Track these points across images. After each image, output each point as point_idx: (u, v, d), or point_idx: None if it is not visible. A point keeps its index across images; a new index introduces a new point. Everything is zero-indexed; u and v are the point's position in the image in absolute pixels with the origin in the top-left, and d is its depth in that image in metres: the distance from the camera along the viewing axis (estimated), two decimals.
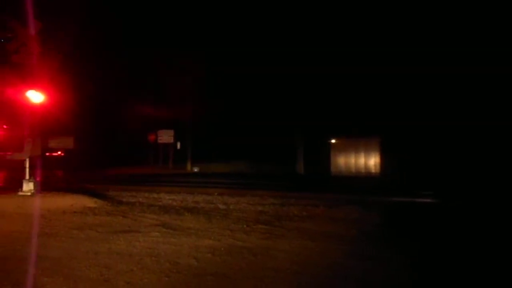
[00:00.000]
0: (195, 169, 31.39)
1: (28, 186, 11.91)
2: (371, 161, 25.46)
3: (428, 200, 12.75)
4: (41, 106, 12.24)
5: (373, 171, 25.29)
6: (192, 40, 30.12)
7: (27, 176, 12.02)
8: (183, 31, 31.14)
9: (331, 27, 26.08)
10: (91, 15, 23.96)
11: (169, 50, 29.90)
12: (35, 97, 11.94)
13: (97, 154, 31.13)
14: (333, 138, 26.66)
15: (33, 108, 12.09)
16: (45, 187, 12.65)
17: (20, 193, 11.83)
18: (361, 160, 25.68)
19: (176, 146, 34.07)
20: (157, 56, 30.10)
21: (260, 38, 28.53)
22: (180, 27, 31.09)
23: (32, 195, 11.69)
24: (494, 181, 16.46)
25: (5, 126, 25.65)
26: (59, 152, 30.86)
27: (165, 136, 33.18)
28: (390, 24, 24.63)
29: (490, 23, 21.90)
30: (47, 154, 27.38)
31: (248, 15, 29.75)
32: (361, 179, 23.27)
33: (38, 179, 12.16)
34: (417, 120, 23.24)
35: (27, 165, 12.07)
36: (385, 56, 23.70)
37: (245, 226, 8.29)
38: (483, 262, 5.97)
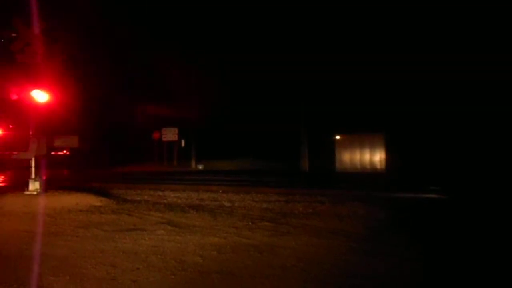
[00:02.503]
0: (200, 167, 31.42)
1: (34, 185, 11.94)
2: (377, 157, 25.35)
3: (434, 196, 12.67)
4: (46, 105, 12.26)
5: (378, 167, 25.17)
6: (195, 37, 30.16)
7: (32, 175, 12.05)
8: (184, 29, 31.18)
9: (337, 24, 26.01)
10: (96, 14, 23.98)
11: (173, 47, 29.91)
12: (40, 96, 11.96)
13: (102, 152, 31.28)
14: (338, 134, 26.57)
15: (38, 107, 12.12)
16: (50, 186, 12.69)
17: (26, 192, 11.87)
18: (366, 156, 25.57)
19: (180, 144, 34.13)
20: (161, 54, 30.11)
21: (265, 35, 28.49)
22: (180, 24, 31.13)
23: (38, 194, 11.73)
24: (501, 178, 16.33)
25: (10, 126, 25.83)
26: (64, 151, 31.04)
27: (169, 134, 33.22)
28: (397, 23, 24.52)
29: (492, 17, 21.72)
30: (52, 153, 27.55)
31: (254, 13, 29.71)
32: (366, 175, 23.17)
33: (43, 178, 12.19)
34: (422, 116, 23.14)
35: (33, 164, 12.10)
36: (391, 51, 23.56)
37: (250, 223, 8.28)
38: (491, 258, 5.93)
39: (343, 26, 25.71)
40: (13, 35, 11.91)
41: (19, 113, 14.17)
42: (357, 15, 26.06)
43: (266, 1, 28.04)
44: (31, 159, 12.14)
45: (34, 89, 11.87)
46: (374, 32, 25.10)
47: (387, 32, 24.61)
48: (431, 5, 23.54)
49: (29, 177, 12.08)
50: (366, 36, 25.17)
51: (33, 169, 12.06)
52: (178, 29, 30.92)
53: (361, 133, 25.62)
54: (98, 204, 10.84)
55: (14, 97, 12.50)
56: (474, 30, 22.29)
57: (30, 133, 12.12)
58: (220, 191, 13.83)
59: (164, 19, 30.43)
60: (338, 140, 26.56)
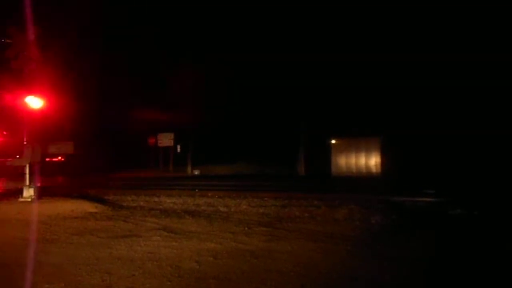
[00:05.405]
0: (196, 172, 31.36)
1: (28, 192, 11.87)
2: (372, 161, 25.43)
3: (430, 199, 12.70)
4: (41, 111, 12.23)
5: (374, 171, 25.24)
6: (192, 42, 30.16)
7: (27, 182, 11.99)
8: (183, 33, 31.21)
9: (333, 28, 26.16)
10: (91, 20, 23.95)
11: (169, 53, 29.94)
12: (35, 102, 11.92)
13: (97, 158, 31.12)
14: (334, 139, 26.65)
15: (32, 114, 12.08)
16: (45, 192, 12.62)
17: (21, 199, 11.79)
18: (362, 160, 25.64)
19: (176, 149, 34.06)
20: (157, 59, 30.11)
21: (261, 40, 28.54)
22: (179, 29, 31.16)
23: (33, 201, 11.65)
24: (497, 180, 16.40)
25: (4, 132, 25.68)
26: (59, 157, 30.89)
27: (165, 139, 33.17)
28: (392, 28, 24.65)
29: (494, 30, 21.89)
30: (47, 159, 27.39)
31: (251, 17, 29.76)
32: (362, 179, 23.21)
33: (38, 184, 12.12)
34: (417, 120, 23.25)
35: (27, 171, 12.03)
36: (386, 56, 23.68)
37: (246, 228, 8.26)
38: (489, 260, 5.94)
39: (341, 31, 25.88)
40: (8, 41, 11.88)
41: (13, 119, 14.09)
42: (353, 20, 26.24)
43: (266, 5, 28.14)
44: (25, 165, 12.07)
45: (29, 95, 11.83)
46: (371, 38, 25.26)
47: (384, 38, 24.77)
48: (425, 6, 23.75)
49: (23, 184, 12.00)
50: (362, 42, 25.32)
51: (27, 175, 12.00)
52: (175, 33, 30.92)
53: (357, 137, 25.72)
54: (93, 210, 10.78)
55: (8, 103, 12.47)
56: (472, 31, 22.46)
57: (25, 139, 12.06)
58: (216, 196, 13.79)
59: (161, 23, 30.43)
60: (334, 144, 26.63)
